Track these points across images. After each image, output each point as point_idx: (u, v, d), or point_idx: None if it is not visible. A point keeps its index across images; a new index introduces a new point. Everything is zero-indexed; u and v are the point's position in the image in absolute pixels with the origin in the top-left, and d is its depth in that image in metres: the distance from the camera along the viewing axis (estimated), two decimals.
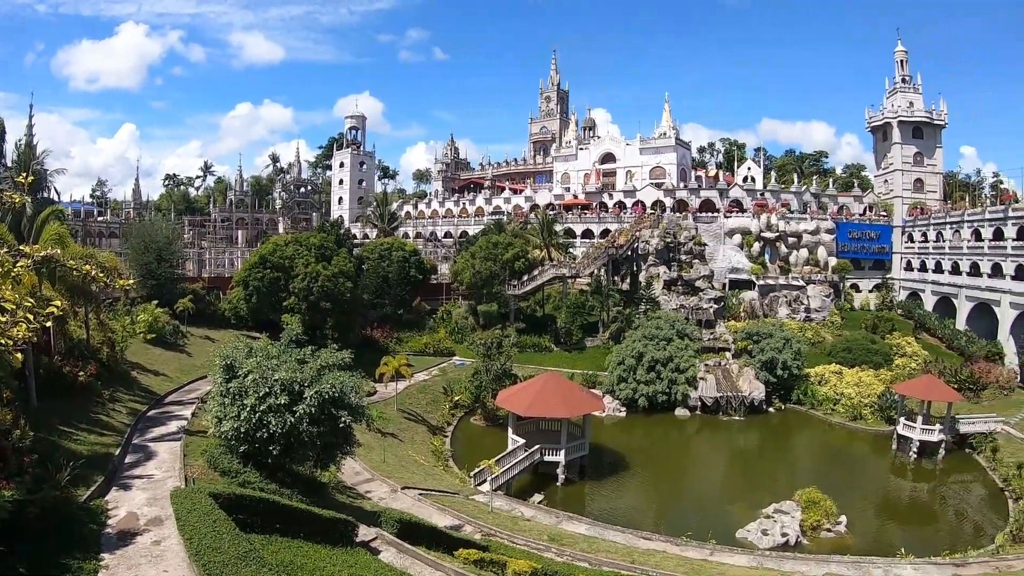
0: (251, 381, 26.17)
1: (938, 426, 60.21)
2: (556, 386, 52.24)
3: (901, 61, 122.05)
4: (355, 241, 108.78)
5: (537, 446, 49.65)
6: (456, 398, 65.57)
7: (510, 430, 52.56)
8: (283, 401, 25.59)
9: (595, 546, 34.46)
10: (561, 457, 49.72)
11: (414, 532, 27.35)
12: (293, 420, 25.52)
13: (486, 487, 42.64)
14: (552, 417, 51.91)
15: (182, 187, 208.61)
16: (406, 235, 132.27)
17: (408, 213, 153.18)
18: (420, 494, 37.82)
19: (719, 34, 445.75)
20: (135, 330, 55.56)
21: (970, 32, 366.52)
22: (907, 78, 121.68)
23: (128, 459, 29.43)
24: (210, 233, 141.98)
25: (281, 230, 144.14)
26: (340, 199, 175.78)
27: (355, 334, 68.91)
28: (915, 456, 60.05)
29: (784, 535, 41.93)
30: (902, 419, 62.06)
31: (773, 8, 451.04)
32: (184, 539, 17.51)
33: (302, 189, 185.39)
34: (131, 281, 56.57)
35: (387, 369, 59.04)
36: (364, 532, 25.75)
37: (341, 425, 27.47)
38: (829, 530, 43.80)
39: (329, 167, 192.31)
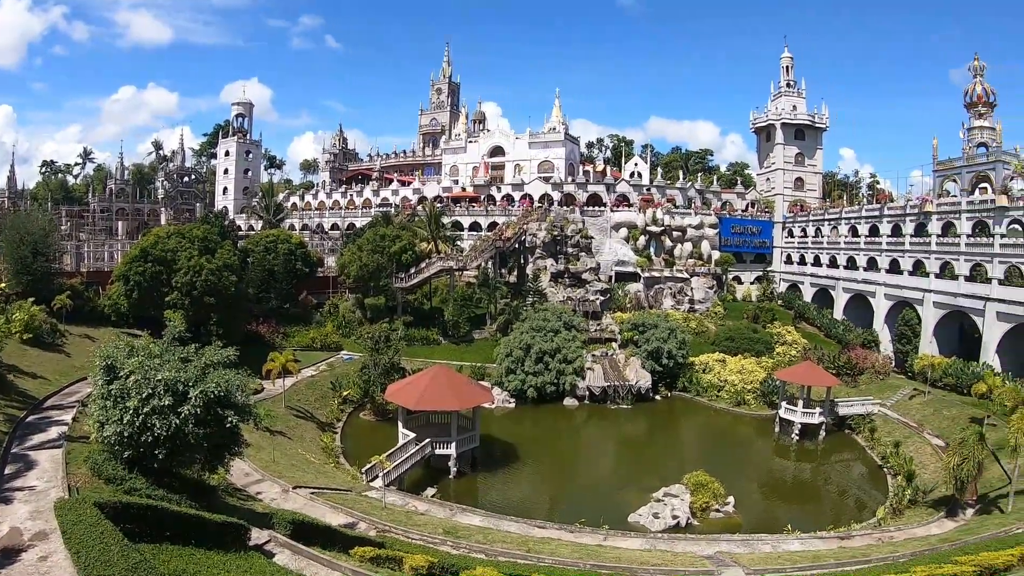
0: (133, 382, 25.06)
1: (818, 409, 63.74)
2: (445, 379, 52.38)
3: (787, 67, 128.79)
4: (240, 233, 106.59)
5: (428, 439, 49.83)
6: (345, 393, 64.61)
7: (400, 424, 52.62)
8: (167, 402, 24.55)
9: (490, 537, 34.92)
10: (452, 450, 50.04)
11: (308, 532, 27.01)
12: (178, 422, 24.51)
13: (378, 483, 42.46)
14: (442, 410, 51.92)
15: (60, 175, 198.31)
16: (292, 227, 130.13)
17: (295, 204, 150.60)
18: (312, 493, 37.42)
19: (610, 32, 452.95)
20: (10, 330, 52.08)
21: (853, 42, 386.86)
22: (792, 83, 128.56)
23: (7, 470, 28.14)
24: (89, 224, 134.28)
25: (163, 221, 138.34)
26: (225, 189, 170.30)
27: (240, 329, 66.97)
28: (797, 438, 63.09)
29: (675, 517, 43.36)
30: (784, 403, 65.28)
31: (663, 9, 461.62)
32: (71, 553, 16.81)
33: (186, 178, 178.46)
34: (3, 283, 54.11)
35: (274, 365, 57.81)
36: (257, 535, 25.27)
37: (228, 425, 26.42)
38: (718, 511, 45.69)
39: (214, 155, 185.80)
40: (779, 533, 40.73)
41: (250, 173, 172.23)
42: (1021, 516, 39.46)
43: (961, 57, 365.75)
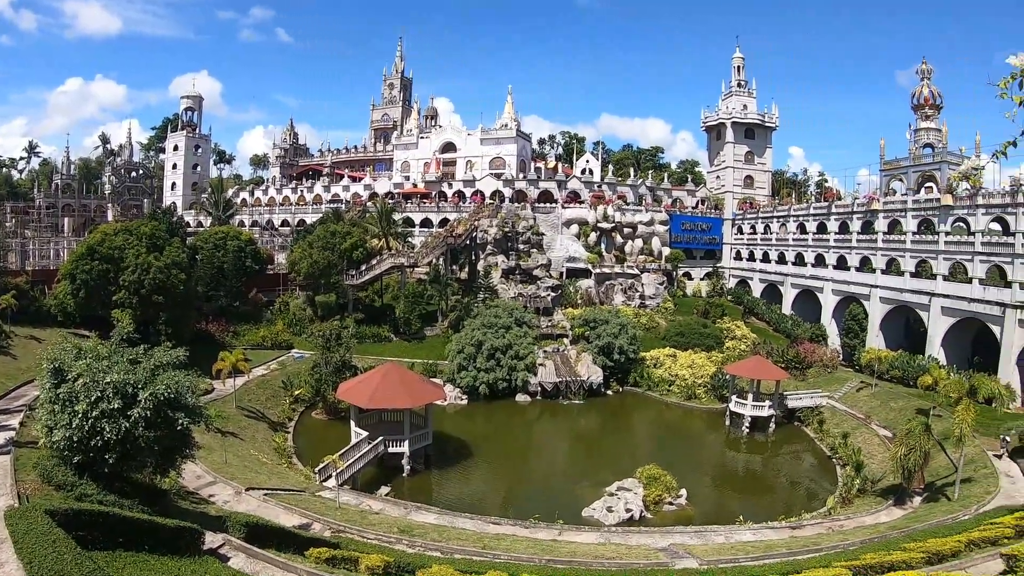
0: (81, 385, 24.59)
1: (768, 402, 65.30)
2: (397, 376, 52.22)
3: (738, 67, 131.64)
4: (189, 230, 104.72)
5: (381, 438, 49.65)
6: (296, 392, 64.25)
7: (353, 423, 52.27)
8: (116, 405, 24.13)
9: (446, 535, 35.11)
10: (405, 448, 49.92)
11: (262, 534, 26.86)
12: (128, 425, 24.11)
13: (332, 482, 42.24)
14: (394, 408, 51.83)
15: (5, 169, 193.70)
16: (242, 223, 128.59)
17: (244, 200, 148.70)
18: (265, 494, 37.15)
19: (564, 29, 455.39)
20: None
21: (803, 43, 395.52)
22: (743, 82, 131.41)
23: None
24: (34, 221, 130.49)
25: (111, 217, 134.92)
26: (173, 184, 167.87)
27: (189, 328, 65.86)
28: (747, 431, 64.55)
29: (628, 511, 44.04)
30: (734, 397, 66.69)
31: (617, 7, 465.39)
32: (24, 563, 16.47)
33: (134, 173, 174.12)
34: None
35: (224, 365, 56.98)
36: (211, 539, 25.03)
37: (179, 428, 26.06)
38: (671, 503, 46.46)
39: (163, 150, 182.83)
40: (731, 524, 41.71)
41: (199, 168, 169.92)
42: (967, 503, 41.06)
43: (907, 59, 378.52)
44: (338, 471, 42.66)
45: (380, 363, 62.23)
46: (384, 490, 46.00)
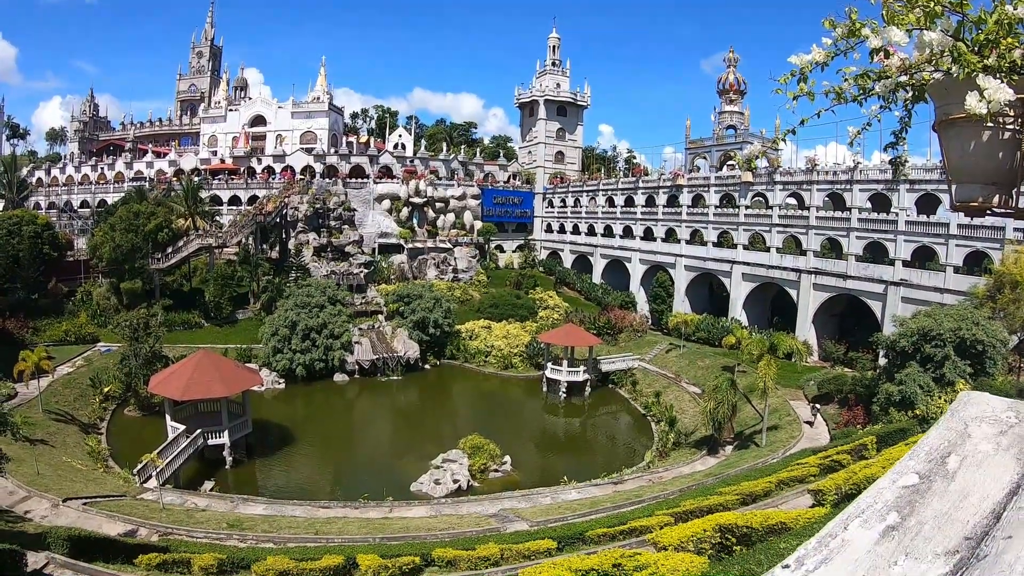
0: None
1: (582, 367, 69.46)
2: (211, 364, 50.99)
3: (554, 47, 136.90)
4: None
5: (199, 430, 48.67)
6: (106, 389, 60.85)
7: (168, 417, 50.70)
8: None
9: (276, 524, 35.78)
10: (225, 438, 49.48)
11: (88, 547, 26.69)
12: None
13: (153, 483, 41.84)
14: (210, 398, 50.54)
15: None
16: (38, 206, 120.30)
17: (40, 180, 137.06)
18: (85, 504, 36.40)
19: (378, 2, 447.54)
20: None
21: (614, 29, 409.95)
22: (557, 62, 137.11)
23: None
24: None
25: None
26: None
27: None
28: (564, 395, 68.32)
29: (456, 481, 46.17)
30: (549, 364, 70.46)
31: None
32: None
33: None
34: None
35: (26, 365, 53.54)
36: (34, 559, 24.81)
37: None
38: (496, 471, 49.13)
39: None
40: (557, 485, 44.63)
41: None
42: (775, 448, 46.24)
43: (709, 51, 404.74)
44: (158, 470, 42.15)
45: (192, 351, 60.15)
46: (208, 485, 45.78)
